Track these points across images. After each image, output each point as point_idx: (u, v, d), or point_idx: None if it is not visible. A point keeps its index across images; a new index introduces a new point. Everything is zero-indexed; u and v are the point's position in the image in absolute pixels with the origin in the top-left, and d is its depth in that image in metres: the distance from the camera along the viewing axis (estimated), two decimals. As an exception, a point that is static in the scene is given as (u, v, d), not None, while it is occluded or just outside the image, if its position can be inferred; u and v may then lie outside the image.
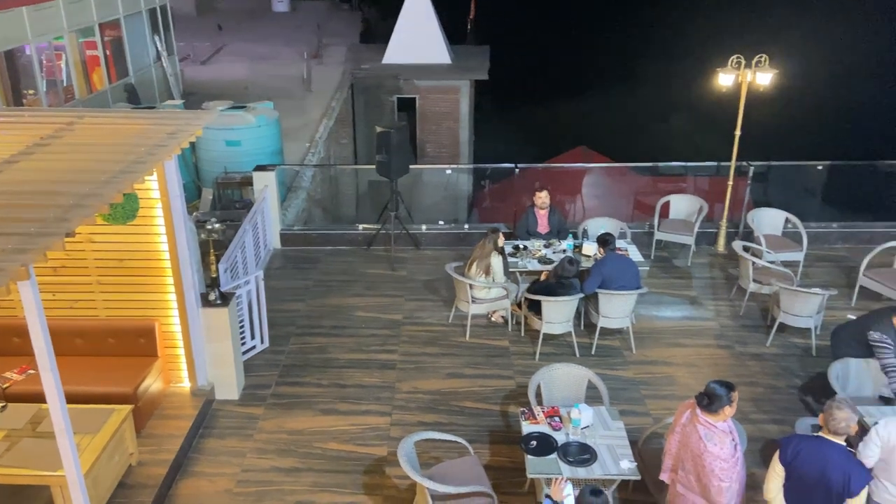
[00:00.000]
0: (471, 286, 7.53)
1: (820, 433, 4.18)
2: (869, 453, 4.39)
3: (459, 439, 5.45)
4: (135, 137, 5.47)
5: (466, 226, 10.34)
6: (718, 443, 4.20)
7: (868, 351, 5.91)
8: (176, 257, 6.05)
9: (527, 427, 5.26)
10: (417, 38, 18.40)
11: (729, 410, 4.23)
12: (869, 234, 9.48)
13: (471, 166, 17.13)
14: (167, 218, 5.95)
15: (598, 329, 7.40)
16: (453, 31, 20.00)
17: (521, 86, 25.49)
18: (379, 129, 9.07)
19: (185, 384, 6.55)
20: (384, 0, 24.54)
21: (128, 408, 5.53)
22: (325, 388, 6.88)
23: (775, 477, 4.26)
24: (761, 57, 8.54)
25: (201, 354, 6.47)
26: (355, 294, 8.64)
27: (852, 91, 20.63)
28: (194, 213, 9.88)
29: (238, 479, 5.74)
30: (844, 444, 4.13)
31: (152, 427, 6.08)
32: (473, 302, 7.63)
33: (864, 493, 3.99)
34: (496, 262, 7.57)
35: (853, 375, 5.90)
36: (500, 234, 7.70)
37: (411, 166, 9.72)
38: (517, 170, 10.11)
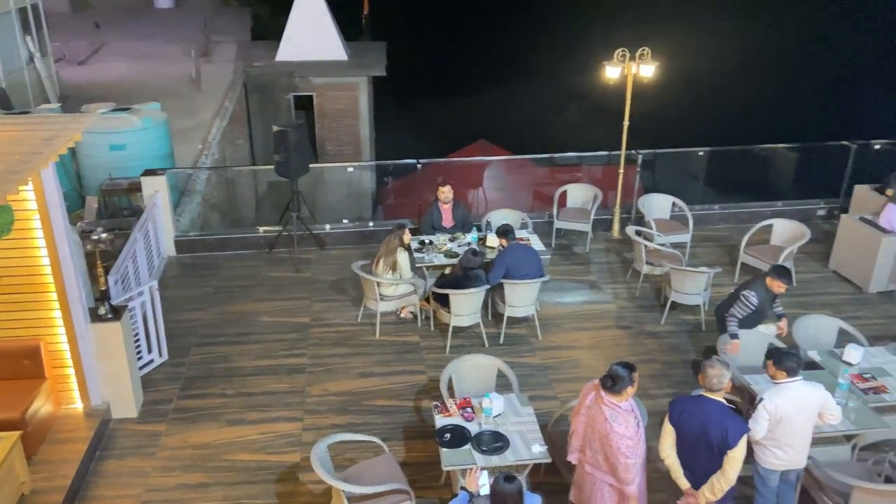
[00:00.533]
0: (378, 284, 7.50)
1: (700, 392, 4.49)
2: (759, 428, 4.70)
3: (373, 438, 5.43)
4: (7, 145, 5.08)
5: (371, 223, 10.28)
6: (623, 422, 4.39)
7: (747, 320, 6.33)
8: (59, 271, 5.67)
9: (440, 420, 5.30)
10: (311, 34, 18.05)
11: (631, 390, 4.44)
12: (747, 214, 10.18)
13: (373, 163, 17.00)
14: (47, 230, 5.56)
15: (505, 318, 7.55)
16: (348, 28, 19.77)
17: (419, 81, 25.58)
18: (276, 129, 8.84)
19: (78, 405, 6.16)
20: (274, -5, 23.94)
21: (16, 434, 5.14)
22: (232, 398, 6.66)
23: (667, 437, 4.55)
24: (643, 50, 8.97)
25: (93, 372, 6.11)
26: (259, 299, 8.41)
27: (731, 82, 22.05)
28: (78, 224, 9.27)
29: (142, 500, 5.47)
30: (724, 400, 4.44)
31: (45, 453, 5.69)
32: (381, 300, 7.60)
33: (742, 444, 4.28)
34: (402, 258, 7.58)
35: (740, 345, 6.33)
36: (406, 231, 7.71)
37: (311, 165, 9.54)
38: (419, 165, 10.14)
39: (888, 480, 5.01)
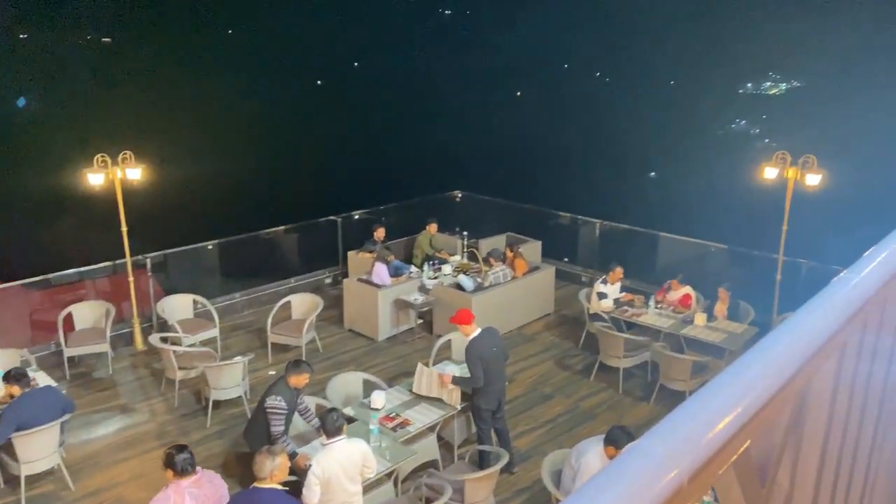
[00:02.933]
0: None
1: (253, 484, 4.52)
2: (311, 494, 4.90)
3: None
4: None
5: None
6: (209, 477, 4.57)
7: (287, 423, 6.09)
8: None
9: None
10: None
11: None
12: (268, 296, 10.71)
13: None
14: None
15: (22, 480, 6.23)
16: None
17: None
18: None
19: None
20: None
21: None
22: None
23: None
24: (126, 153, 8.70)
25: None
26: None
27: (231, 177, 23.06)
28: None
29: None
30: (277, 486, 4.53)
31: None
32: None
33: None
34: None
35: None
36: None
37: None
38: None
39: (428, 501, 5.78)
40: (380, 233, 10.94)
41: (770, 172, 8.89)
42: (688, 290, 9.23)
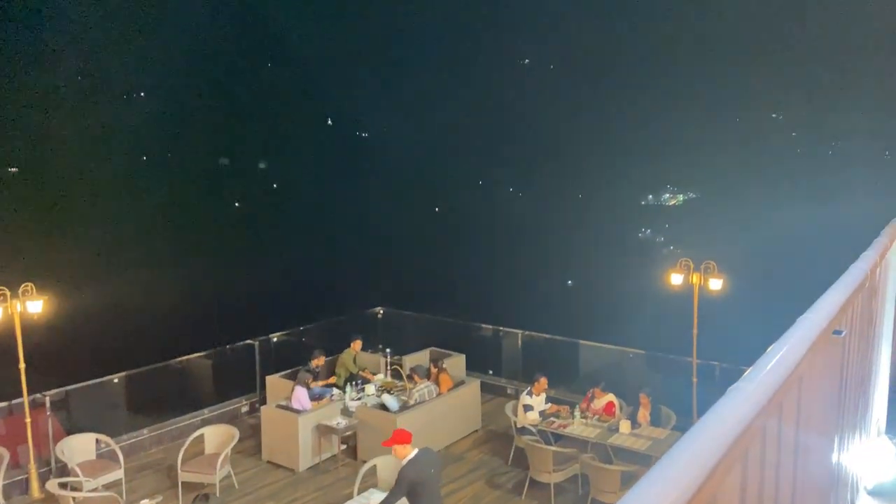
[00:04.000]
0: None
1: None
2: None
3: None
4: None
5: None
6: None
7: None
8: None
9: None
10: None
11: None
12: (178, 430, 10.04)
13: None
14: None
15: None
16: None
17: None
18: None
19: None
20: None
21: None
22: None
23: None
24: (27, 286, 8.30)
25: None
26: None
27: (128, 307, 22.18)
28: None
29: None
30: None
31: None
32: None
33: None
34: None
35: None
36: None
37: None
38: None
39: None
40: (318, 361, 10.48)
41: (676, 278, 9.38)
42: (611, 397, 9.35)
